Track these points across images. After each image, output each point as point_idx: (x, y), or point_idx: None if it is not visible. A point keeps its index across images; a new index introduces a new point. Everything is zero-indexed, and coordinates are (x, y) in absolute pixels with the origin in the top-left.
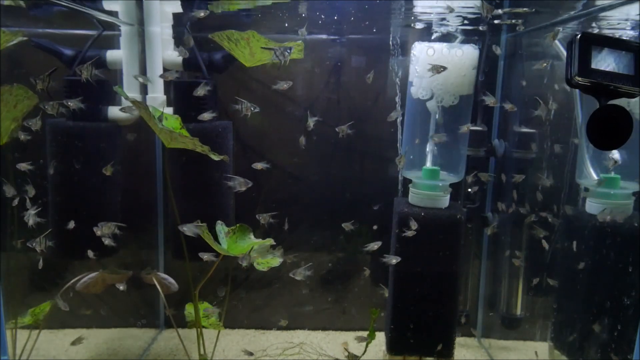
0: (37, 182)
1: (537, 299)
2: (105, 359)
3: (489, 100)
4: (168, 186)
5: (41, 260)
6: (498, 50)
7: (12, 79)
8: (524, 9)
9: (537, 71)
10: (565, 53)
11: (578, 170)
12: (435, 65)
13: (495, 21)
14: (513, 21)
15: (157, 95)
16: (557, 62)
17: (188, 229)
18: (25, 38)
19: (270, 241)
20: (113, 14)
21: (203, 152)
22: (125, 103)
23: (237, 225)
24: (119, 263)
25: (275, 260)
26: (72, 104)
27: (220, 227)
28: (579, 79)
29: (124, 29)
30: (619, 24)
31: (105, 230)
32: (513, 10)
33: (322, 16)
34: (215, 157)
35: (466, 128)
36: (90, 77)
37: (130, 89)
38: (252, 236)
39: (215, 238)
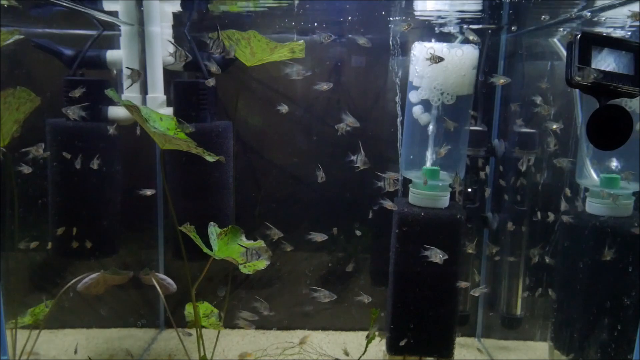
0: (37, 182)
1: (537, 299)
2: (106, 359)
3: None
4: (165, 186)
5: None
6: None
7: (12, 79)
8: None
9: (537, 71)
10: (565, 53)
11: (578, 170)
12: (435, 56)
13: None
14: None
15: (157, 95)
16: (557, 62)
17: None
18: (22, 36)
19: (260, 243)
20: (113, 14)
21: (198, 154)
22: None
23: (229, 226)
24: (119, 263)
25: (261, 263)
26: (71, 112)
27: (212, 229)
28: (579, 78)
29: (124, 29)
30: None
31: None
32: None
33: (325, 18)
34: (211, 159)
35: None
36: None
37: (130, 89)
38: (243, 238)
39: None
